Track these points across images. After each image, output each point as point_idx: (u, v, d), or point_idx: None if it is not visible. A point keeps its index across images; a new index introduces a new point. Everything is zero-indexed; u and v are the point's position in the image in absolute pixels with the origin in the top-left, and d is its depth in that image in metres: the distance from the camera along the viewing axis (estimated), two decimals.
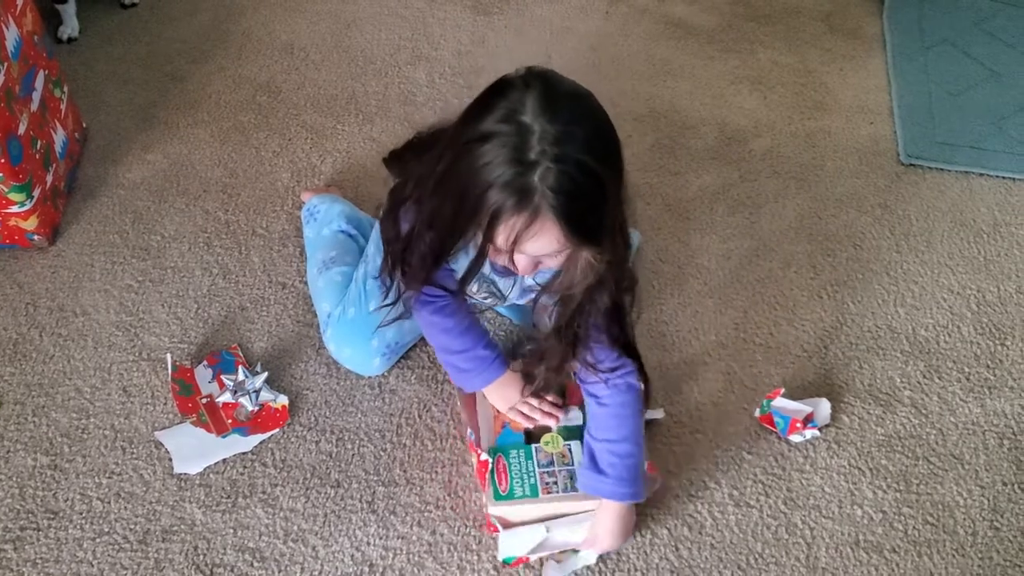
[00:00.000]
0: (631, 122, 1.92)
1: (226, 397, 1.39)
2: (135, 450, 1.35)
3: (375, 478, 1.33)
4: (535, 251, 1.02)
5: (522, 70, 1.01)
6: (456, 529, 1.28)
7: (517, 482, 1.26)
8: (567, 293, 1.13)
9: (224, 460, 1.34)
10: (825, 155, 1.90)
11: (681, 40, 2.19)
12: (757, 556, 1.27)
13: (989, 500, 1.35)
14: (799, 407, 1.39)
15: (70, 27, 2.07)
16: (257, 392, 1.39)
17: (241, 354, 1.47)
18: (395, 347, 1.44)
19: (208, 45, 2.10)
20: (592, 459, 1.24)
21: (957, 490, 1.36)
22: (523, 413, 1.33)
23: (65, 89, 1.72)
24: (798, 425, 1.37)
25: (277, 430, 1.38)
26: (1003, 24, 2.26)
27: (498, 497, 1.25)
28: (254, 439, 1.36)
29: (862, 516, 1.32)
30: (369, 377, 1.45)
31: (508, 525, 1.25)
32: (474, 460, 1.32)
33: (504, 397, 1.34)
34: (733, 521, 1.30)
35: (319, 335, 1.50)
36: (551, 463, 1.29)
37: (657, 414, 1.41)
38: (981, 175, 1.88)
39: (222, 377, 1.41)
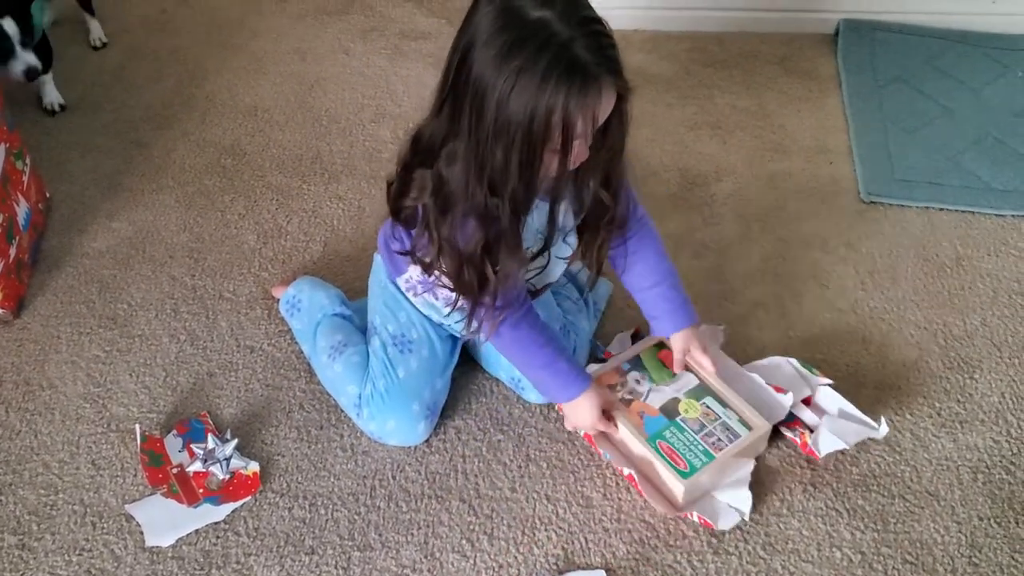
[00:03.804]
0: None
1: (196, 466, 1.37)
2: (105, 525, 1.33)
3: (350, 543, 1.31)
4: (603, 115, 1.10)
5: None
6: None
7: (690, 455, 1.34)
8: (612, 158, 1.22)
9: (196, 531, 1.32)
10: (787, 196, 1.93)
11: (640, 88, 2.18)
12: None
13: (967, 536, 1.35)
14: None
15: (52, 97, 2.09)
16: (228, 460, 1.37)
17: (211, 421, 1.46)
18: (434, 408, 1.43)
19: (172, 111, 2.11)
20: (656, 304, 1.42)
21: (934, 527, 1.36)
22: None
23: (27, 161, 1.72)
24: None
25: (249, 498, 1.36)
26: (953, 61, 2.31)
27: (684, 475, 1.31)
28: (226, 508, 1.35)
29: (841, 558, 1.31)
30: (341, 439, 1.44)
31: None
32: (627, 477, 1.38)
33: (591, 407, 1.34)
34: (712, 570, 1.30)
35: (288, 398, 1.49)
36: (702, 426, 1.38)
37: (882, 430, 1.42)
38: (941, 210, 1.91)
39: (192, 446, 1.40)
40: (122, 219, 1.82)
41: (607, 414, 1.37)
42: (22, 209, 1.66)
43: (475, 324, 1.26)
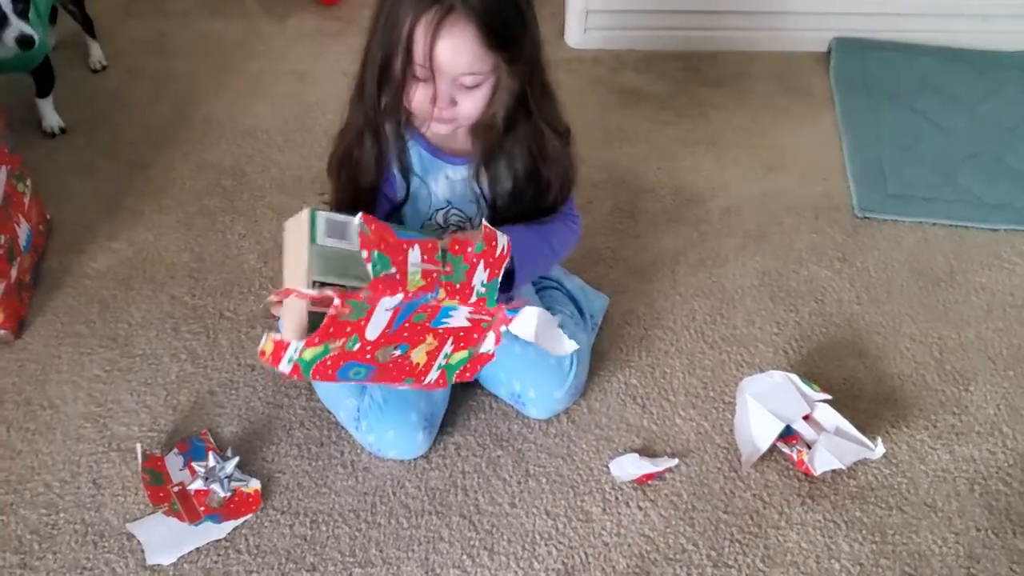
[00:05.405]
0: (590, 188, 1.95)
1: (198, 484, 1.38)
2: (107, 544, 1.33)
3: (351, 560, 1.32)
4: (451, 58, 1.08)
5: None
6: None
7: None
8: (492, 125, 1.21)
9: (198, 549, 1.32)
10: (782, 212, 1.95)
11: (635, 107, 2.25)
12: None
13: (964, 547, 1.35)
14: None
15: (52, 120, 2.09)
16: (229, 478, 1.38)
17: (211, 439, 1.46)
18: (432, 419, 1.43)
19: (171, 132, 2.12)
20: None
21: (932, 539, 1.37)
22: None
23: (28, 183, 1.73)
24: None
25: (250, 515, 1.36)
26: (945, 78, 2.34)
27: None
28: (227, 526, 1.35)
29: (840, 570, 1.32)
30: (341, 456, 1.45)
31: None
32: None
33: None
34: None
35: (289, 415, 1.50)
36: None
37: (878, 451, 1.40)
38: (935, 224, 1.93)
39: (193, 464, 1.40)
40: (122, 240, 1.83)
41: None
42: (23, 230, 1.68)
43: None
